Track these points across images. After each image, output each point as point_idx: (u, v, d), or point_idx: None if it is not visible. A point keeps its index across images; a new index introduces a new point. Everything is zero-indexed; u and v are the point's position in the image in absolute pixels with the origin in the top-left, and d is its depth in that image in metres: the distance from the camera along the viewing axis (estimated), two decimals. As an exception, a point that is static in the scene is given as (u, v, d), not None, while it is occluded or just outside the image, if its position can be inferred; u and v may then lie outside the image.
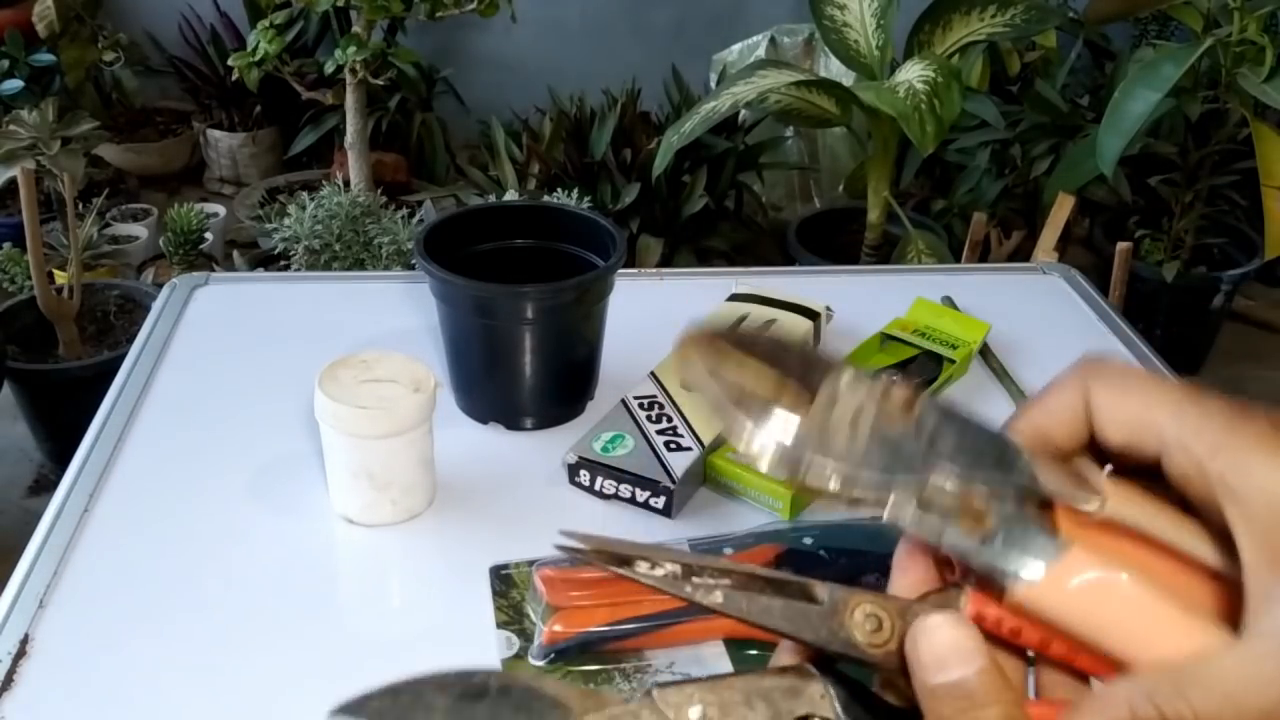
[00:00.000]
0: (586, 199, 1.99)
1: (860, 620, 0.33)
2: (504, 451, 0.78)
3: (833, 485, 0.33)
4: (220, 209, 2.45)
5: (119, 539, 0.69)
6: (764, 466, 0.33)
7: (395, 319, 0.92)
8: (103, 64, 2.42)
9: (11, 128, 1.59)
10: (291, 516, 0.72)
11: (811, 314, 0.89)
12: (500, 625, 0.63)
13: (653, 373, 0.81)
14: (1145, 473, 0.33)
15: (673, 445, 0.73)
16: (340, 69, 1.95)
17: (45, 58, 2.28)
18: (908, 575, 0.35)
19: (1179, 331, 2.25)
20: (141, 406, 0.81)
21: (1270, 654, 0.29)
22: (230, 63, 1.99)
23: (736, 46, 2.62)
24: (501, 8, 1.96)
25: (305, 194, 1.93)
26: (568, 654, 0.60)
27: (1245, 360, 2.38)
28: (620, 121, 2.28)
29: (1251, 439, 0.30)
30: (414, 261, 1.11)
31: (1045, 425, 0.35)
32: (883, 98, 1.67)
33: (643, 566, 0.33)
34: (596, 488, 0.73)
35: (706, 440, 0.74)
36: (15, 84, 2.19)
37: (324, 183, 2.03)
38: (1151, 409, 0.32)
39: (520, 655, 0.60)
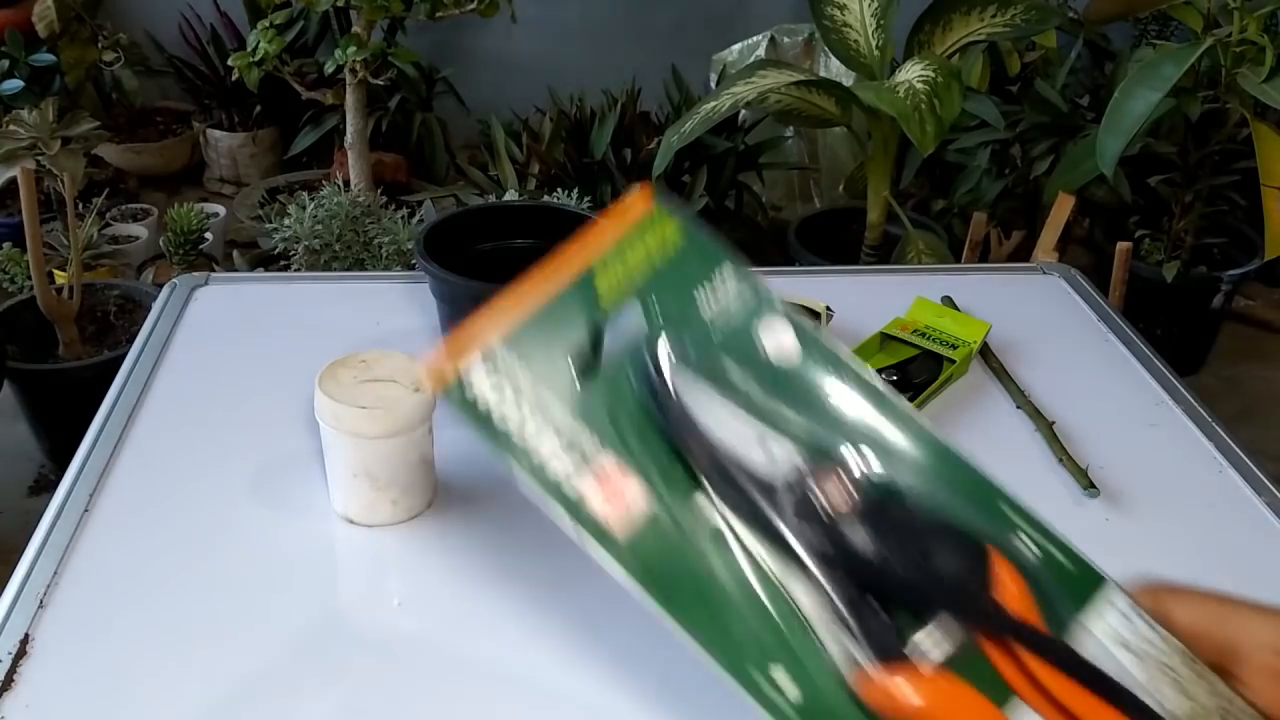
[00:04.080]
0: (586, 199, 1.99)
1: None
2: (504, 451, 0.78)
3: None
4: (220, 209, 2.45)
5: (119, 539, 0.69)
6: None
7: (395, 319, 0.92)
8: (103, 64, 2.42)
9: (11, 128, 1.59)
10: (291, 516, 0.72)
11: (811, 314, 0.89)
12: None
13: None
14: None
15: (673, 445, 0.73)
16: (340, 69, 1.95)
17: (45, 58, 2.28)
18: None
19: (1179, 331, 2.25)
20: (141, 406, 0.81)
21: None
22: (230, 63, 1.99)
23: (736, 46, 2.62)
24: (501, 8, 1.96)
25: (305, 194, 1.93)
26: None
27: (1245, 360, 2.38)
28: (620, 121, 2.28)
29: None
30: (414, 261, 1.11)
31: None
32: (883, 98, 1.67)
33: None
34: (596, 488, 0.73)
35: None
36: (15, 84, 2.19)
37: (324, 183, 2.03)
38: (1228, 604, 0.39)
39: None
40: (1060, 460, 0.78)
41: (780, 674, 0.35)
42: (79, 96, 2.37)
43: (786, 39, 2.59)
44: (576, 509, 0.37)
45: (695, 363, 0.39)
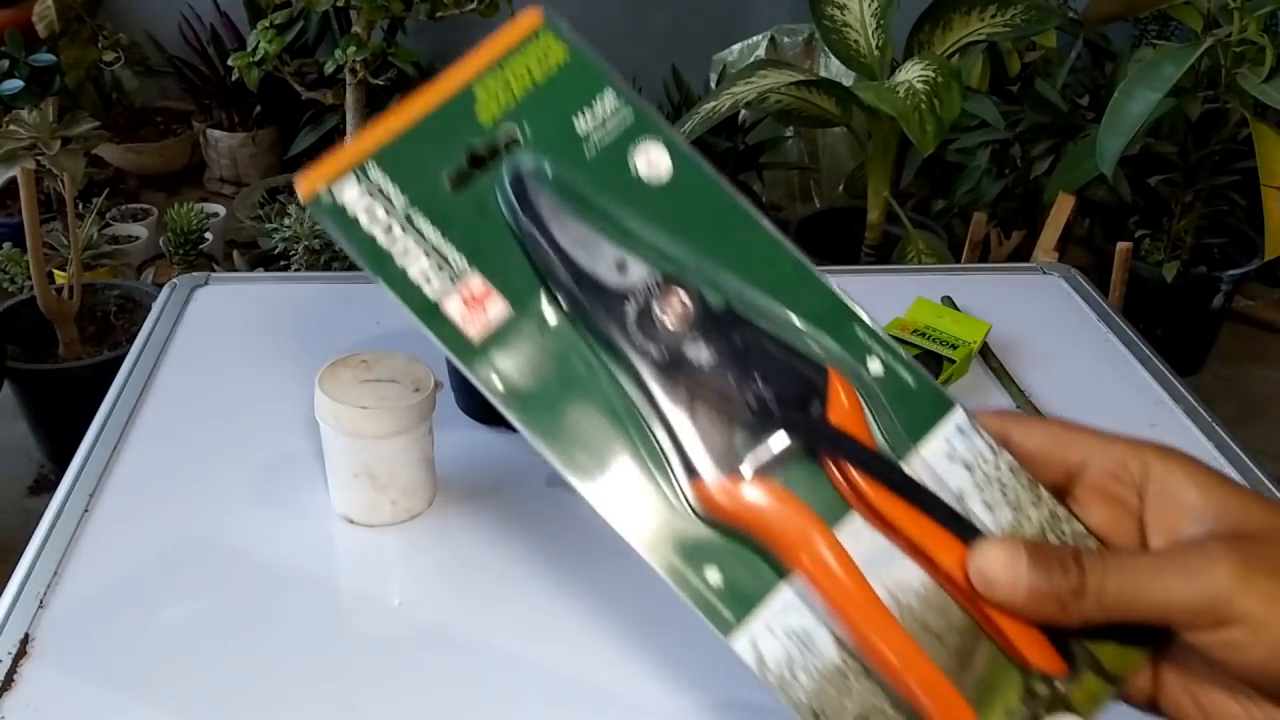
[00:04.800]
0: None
1: None
2: (504, 451, 0.78)
3: None
4: (220, 209, 2.45)
5: (119, 539, 0.69)
6: None
7: (395, 319, 0.92)
8: (103, 64, 2.42)
9: (11, 128, 1.58)
10: (291, 516, 0.72)
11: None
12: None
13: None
14: None
15: (673, 445, 0.73)
16: (340, 69, 1.95)
17: (45, 58, 2.28)
18: None
19: (1179, 331, 2.25)
20: (141, 406, 0.81)
21: (1190, 545, 0.36)
22: (230, 63, 1.99)
23: (736, 46, 2.62)
24: (501, 8, 1.96)
25: (305, 194, 1.92)
26: None
27: (1245, 360, 2.38)
28: (620, 121, 2.28)
29: (1170, 451, 0.39)
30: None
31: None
32: (883, 98, 1.67)
33: None
34: (597, 488, 0.73)
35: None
36: (15, 84, 2.19)
37: (324, 183, 2.03)
38: (1071, 429, 0.40)
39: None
40: (1060, 460, 0.78)
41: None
42: (79, 96, 2.37)
43: (786, 39, 2.59)
44: (443, 328, 0.38)
45: (563, 183, 0.39)
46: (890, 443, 0.39)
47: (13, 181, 1.60)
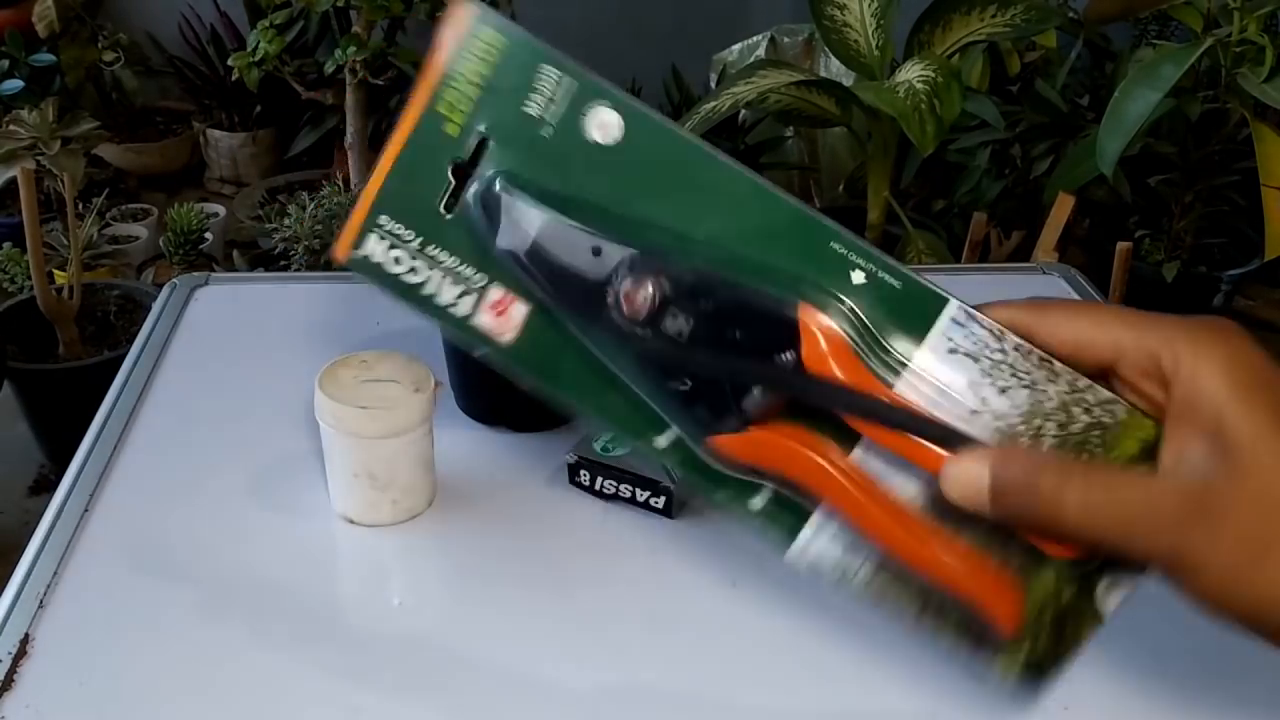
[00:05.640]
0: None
1: None
2: (504, 452, 0.78)
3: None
4: (220, 209, 2.45)
5: (119, 539, 0.69)
6: None
7: (395, 319, 0.92)
8: (103, 64, 2.42)
9: (11, 128, 1.58)
10: (291, 516, 0.72)
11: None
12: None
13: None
14: None
15: (673, 445, 0.73)
16: (340, 69, 1.95)
17: (45, 58, 2.28)
18: None
19: (1179, 331, 2.25)
20: (141, 406, 0.81)
21: (1167, 491, 0.35)
22: (230, 63, 2.00)
23: (736, 46, 2.62)
24: (501, 8, 1.96)
25: (305, 194, 1.93)
26: None
27: (1245, 360, 2.38)
28: (620, 121, 2.28)
29: (1202, 342, 0.36)
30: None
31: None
32: (883, 98, 1.66)
33: None
34: (597, 487, 0.73)
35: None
36: (15, 84, 2.19)
37: (324, 183, 2.04)
38: (1101, 320, 0.39)
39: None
40: (1060, 460, 0.78)
41: (662, 440, 0.41)
42: (79, 96, 2.37)
43: (786, 39, 2.59)
44: (483, 340, 0.42)
45: (525, 183, 0.41)
46: (886, 353, 0.40)
47: (13, 181, 1.60)
